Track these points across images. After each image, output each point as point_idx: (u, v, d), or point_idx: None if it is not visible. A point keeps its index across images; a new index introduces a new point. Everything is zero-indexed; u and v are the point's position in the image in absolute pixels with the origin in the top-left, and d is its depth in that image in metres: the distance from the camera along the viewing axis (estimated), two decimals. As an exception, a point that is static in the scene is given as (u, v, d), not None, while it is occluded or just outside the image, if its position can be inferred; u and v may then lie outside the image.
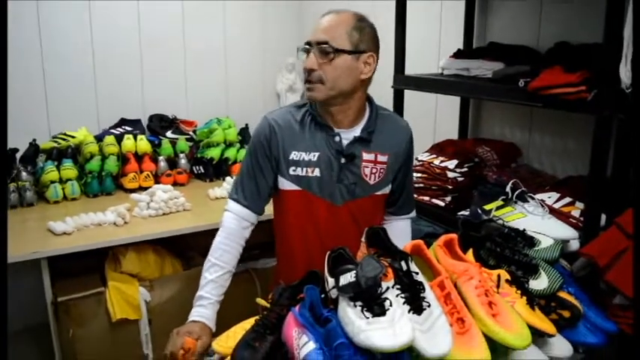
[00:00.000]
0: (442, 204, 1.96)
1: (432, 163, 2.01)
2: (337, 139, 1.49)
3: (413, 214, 1.73)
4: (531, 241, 1.33)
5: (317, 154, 1.48)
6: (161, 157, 2.91)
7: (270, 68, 3.43)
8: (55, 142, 2.76)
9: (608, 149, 1.41)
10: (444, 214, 1.92)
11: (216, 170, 3.04)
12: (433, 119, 2.51)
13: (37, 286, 2.15)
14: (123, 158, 2.81)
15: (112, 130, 2.92)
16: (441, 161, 2.00)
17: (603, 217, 1.47)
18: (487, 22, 2.21)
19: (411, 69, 2.07)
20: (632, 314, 1.19)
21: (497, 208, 1.57)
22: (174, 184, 2.84)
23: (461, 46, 2.19)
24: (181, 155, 2.98)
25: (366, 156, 1.51)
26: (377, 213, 1.62)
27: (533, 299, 1.14)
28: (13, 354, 2.47)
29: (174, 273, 2.44)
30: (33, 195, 2.56)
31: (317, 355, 0.94)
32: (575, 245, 1.46)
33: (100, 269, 2.34)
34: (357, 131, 1.51)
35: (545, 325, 1.09)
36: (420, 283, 1.03)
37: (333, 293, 1.04)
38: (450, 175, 1.95)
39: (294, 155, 1.49)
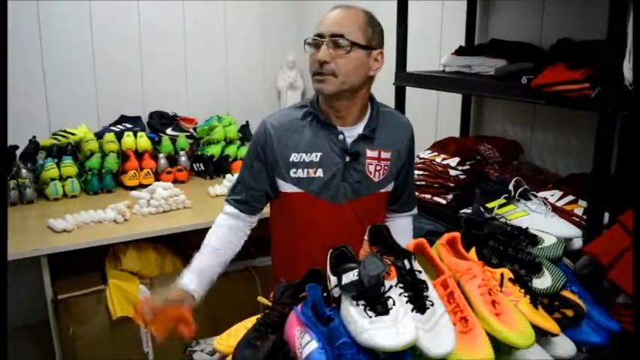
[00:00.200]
0: (444, 202, 1.95)
1: (433, 160, 2.00)
2: (341, 137, 1.47)
3: (414, 211, 1.72)
4: (534, 240, 1.32)
5: (319, 154, 1.47)
6: (161, 155, 2.91)
7: (271, 65, 3.42)
8: (55, 139, 2.76)
9: (611, 147, 1.40)
10: (446, 212, 1.91)
11: (217, 168, 3.03)
12: (435, 117, 2.50)
13: (37, 283, 2.15)
14: (123, 155, 2.80)
15: (112, 127, 2.91)
16: (443, 159, 1.99)
17: (606, 215, 1.46)
18: (489, 19, 2.20)
19: (412, 66, 2.06)
20: (632, 312, 1.18)
21: (500, 206, 1.57)
22: (175, 181, 2.84)
23: (462, 43, 2.18)
24: (181, 152, 2.98)
25: (370, 153, 1.50)
26: (380, 211, 1.61)
27: (537, 298, 1.14)
28: (13, 352, 2.46)
29: (174, 271, 2.44)
30: (33, 192, 2.56)
31: (319, 355, 0.93)
32: (578, 244, 1.46)
33: (101, 267, 2.34)
34: (360, 129, 1.49)
35: (548, 324, 1.09)
36: (423, 282, 1.03)
37: (336, 292, 1.03)
38: (452, 172, 1.94)
39: (294, 157, 1.47)
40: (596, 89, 1.37)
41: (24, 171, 2.57)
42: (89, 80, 2.94)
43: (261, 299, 1.20)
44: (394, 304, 0.96)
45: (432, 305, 0.99)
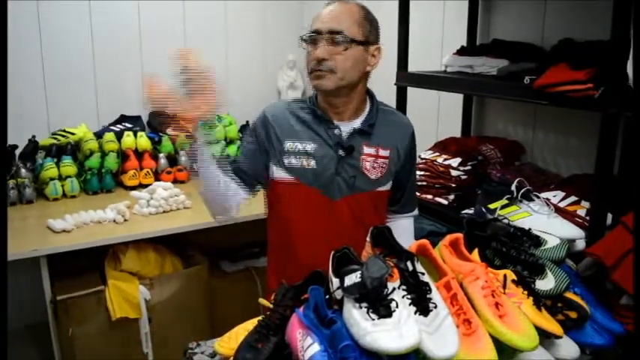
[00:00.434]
0: (445, 202, 1.94)
1: (435, 161, 2.00)
2: (337, 131, 1.48)
3: (415, 212, 1.71)
4: (537, 241, 1.32)
5: (314, 145, 1.47)
6: (161, 155, 2.90)
7: (271, 65, 3.42)
8: (55, 138, 2.75)
9: (614, 147, 1.40)
10: (447, 213, 1.91)
11: (217, 168, 3.01)
12: (436, 117, 2.50)
13: (37, 284, 2.14)
14: (123, 155, 2.79)
15: (112, 127, 2.90)
16: (444, 159, 1.98)
17: (609, 216, 1.45)
18: (491, 19, 2.19)
19: (413, 66, 2.05)
20: (633, 312, 1.18)
21: (502, 207, 1.56)
22: (175, 181, 2.83)
23: (464, 43, 2.17)
24: (182, 152, 2.96)
25: (367, 150, 1.49)
26: (378, 212, 1.59)
27: (540, 300, 1.13)
28: (12, 353, 2.46)
29: (174, 271, 2.43)
30: (32, 192, 2.54)
31: (322, 358, 0.92)
32: (581, 245, 1.45)
33: (100, 267, 2.33)
34: (356, 124, 1.50)
35: (552, 326, 1.08)
36: (427, 284, 1.02)
37: (338, 294, 1.02)
38: (454, 173, 1.93)
39: (289, 145, 1.48)
40: (599, 89, 1.36)
41: (23, 171, 2.56)
42: (89, 79, 2.93)
43: (263, 301, 1.19)
44: (397, 307, 0.95)
45: (435, 307, 0.98)
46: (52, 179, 2.57)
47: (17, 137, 2.64)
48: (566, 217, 1.54)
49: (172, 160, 2.95)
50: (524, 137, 2.11)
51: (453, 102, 2.34)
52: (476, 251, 1.21)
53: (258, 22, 3.37)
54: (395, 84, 2.06)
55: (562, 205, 1.57)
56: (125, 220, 2.33)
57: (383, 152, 1.51)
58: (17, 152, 2.67)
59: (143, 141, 2.84)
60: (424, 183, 2.00)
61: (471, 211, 1.82)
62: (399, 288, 1.00)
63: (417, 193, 1.84)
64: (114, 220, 2.32)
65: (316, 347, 0.94)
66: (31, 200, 2.54)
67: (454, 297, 1.04)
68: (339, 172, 1.48)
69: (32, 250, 2.03)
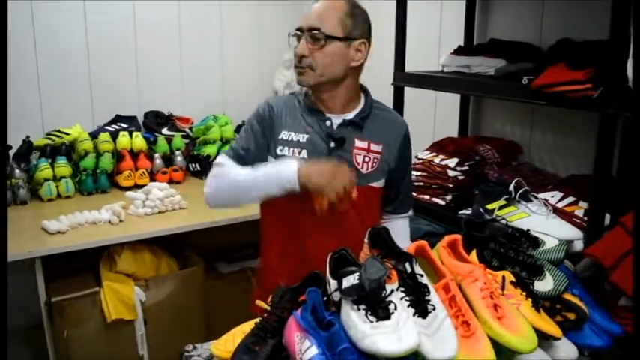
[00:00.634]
0: (442, 203, 1.94)
1: (432, 161, 1.99)
2: (328, 123, 1.49)
3: (411, 212, 1.71)
4: (536, 242, 1.31)
5: (306, 136, 1.48)
6: (157, 155, 2.88)
7: (268, 65, 3.40)
8: (49, 139, 2.72)
9: (612, 148, 1.39)
10: (445, 213, 1.90)
11: (213, 168, 3.00)
12: (433, 117, 2.49)
13: (31, 285, 2.12)
14: (118, 156, 2.77)
15: (107, 127, 2.88)
16: (442, 159, 1.98)
17: (607, 216, 1.45)
18: (488, 19, 2.19)
19: (411, 66, 2.05)
20: (632, 314, 1.17)
21: (500, 208, 1.55)
22: (170, 181, 2.81)
23: (461, 43, 2.17)
24: (177, 153, 2.95)
25: (358, 143, 1.49)
26: (372, 209, 1.58)
27: (538, 301, 1.12)
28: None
29: (170, 272, 2.42)
30: (26, 193, 2.52)
31: (320, 360, 0.91)
32: (579, 246, 1.45)
33: (95, 269, 2.31)
34: (349, 116, 1.51)
35: (550, 327, 1.07)
36: (425, 286, 1.01)
37: (336, 296, 1.01)
38: (451, 173, 1.93)
39: (284, 135, 1.49)
40: (598, 90, 1.36)
41: (17, 171, 2.53)
42: (84, 79, 2.91)
43: (260, 303, 1.18)
44: (396, 309, 0.94)
45: (434, 309, 0.98)
46: (46, 180, 2.54)
47: (11, 138, 2.60)
48: (564, 217, 1.53)
49: (168, 160, 2.94)
50: (522, 137, 2.10)
51: (450, 102, 2.34)
52: (474, 252, 1.21)
53: (253, 21, 3.35)
54: (392, 84, 2.06)
55: (560, 205, 1.57)
56: (120, 221, 2.31)
57: (375, 147, 1.51)
58: (11, 153, 2.64)
59: (138, 141, 2.83)
60: (421, 183, 2.00)
61: (468, 211, 1.81)
62: (397, 290, 1.00)
63: (414, 194, 1.83)
64: (109, 221, 2.30)
65: (314, 350, 0.93)
66: (25, 201, 2.51)
67: (453, 298, 1.03)
68: None
69: (27, 251, 2.01)
